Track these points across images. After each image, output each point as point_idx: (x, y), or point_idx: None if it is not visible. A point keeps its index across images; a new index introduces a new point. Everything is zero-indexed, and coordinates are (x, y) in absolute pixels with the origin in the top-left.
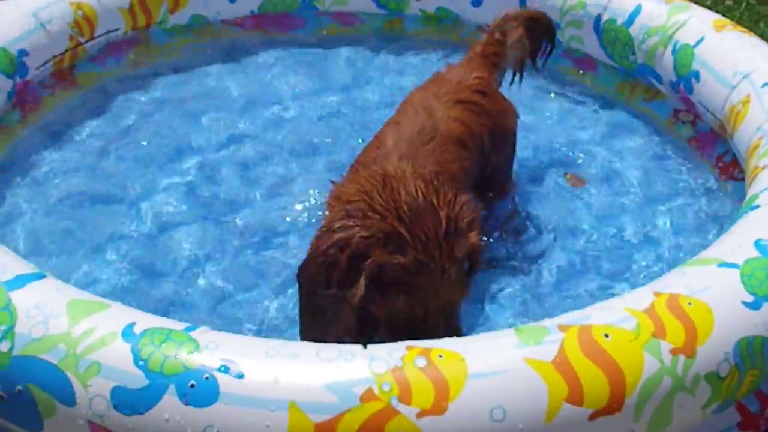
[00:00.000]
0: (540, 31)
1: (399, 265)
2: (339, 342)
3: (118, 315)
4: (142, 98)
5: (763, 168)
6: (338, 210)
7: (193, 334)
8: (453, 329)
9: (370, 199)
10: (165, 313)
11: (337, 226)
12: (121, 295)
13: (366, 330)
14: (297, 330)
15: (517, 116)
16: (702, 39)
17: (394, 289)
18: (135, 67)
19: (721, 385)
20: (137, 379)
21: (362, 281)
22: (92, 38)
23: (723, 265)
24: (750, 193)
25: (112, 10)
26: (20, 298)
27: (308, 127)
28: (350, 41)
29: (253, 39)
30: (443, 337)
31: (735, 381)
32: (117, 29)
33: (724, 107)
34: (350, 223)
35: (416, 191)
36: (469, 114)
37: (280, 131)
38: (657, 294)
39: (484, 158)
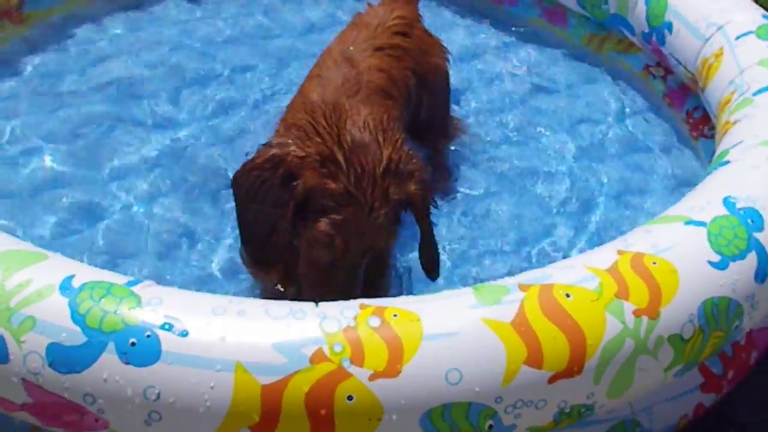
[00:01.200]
0: None
1: (328, 191)
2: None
3: (56, 267)
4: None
5: (734, 123)
6: (282, 132)
7: (136, 288)
8: (378, 277)
9: (314, 123)
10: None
11: (275, 142)
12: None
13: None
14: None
15: (445, 52)
16: None
17: (319, 216)
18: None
19: (684, 347)
20: (74, 336)
21: (291, 203)
22: None
23: (690, 222)
24: (720, 149)
25: None
26: None
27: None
28: None
29: None
30: (362, 283)
31: (699, 343)
32: None
33: (696, 60)
34: (289, 141)
35: (364, 125)
36: (390, 60)
37: (245, 74)
38: (620, 252)
39: (412, 104)
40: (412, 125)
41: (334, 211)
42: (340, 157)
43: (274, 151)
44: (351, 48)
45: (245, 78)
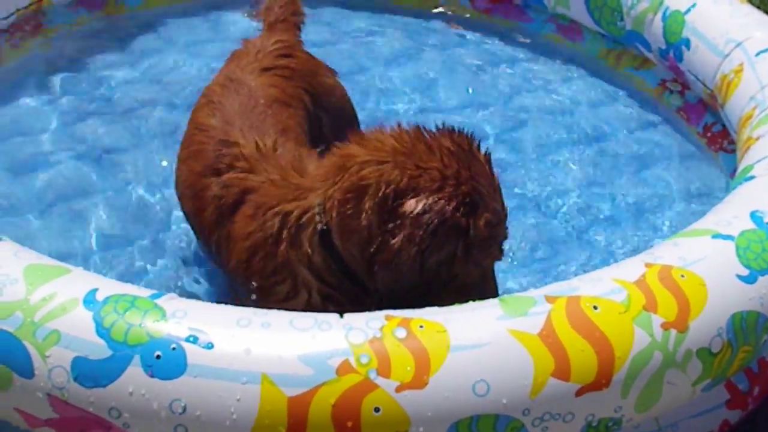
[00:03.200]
0: None
1: (485, 225)
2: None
3: (80, 281)
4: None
5: (757, 139)
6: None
7: (160, 301)
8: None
9: (423, 165)
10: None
11: (420, 208)
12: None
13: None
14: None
15: (332, 72)
16: (693, 5)
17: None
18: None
19: (713, 361)
20: (100, 349)
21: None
22: None
23: (717, 236)
24: (744, 164)
25: None
26: None
27: None
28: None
29: None
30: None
31: (727, 358)
32: None
33: (715, 76)
34: (433, 198)
35: (460, 149)
36: (279, 79)
37: None
38: (648, 265)
39: (313, 121)
40: (319, 142)
41: (490, 238)
42: (482, 192)
43: (429, 215)
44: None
45: None
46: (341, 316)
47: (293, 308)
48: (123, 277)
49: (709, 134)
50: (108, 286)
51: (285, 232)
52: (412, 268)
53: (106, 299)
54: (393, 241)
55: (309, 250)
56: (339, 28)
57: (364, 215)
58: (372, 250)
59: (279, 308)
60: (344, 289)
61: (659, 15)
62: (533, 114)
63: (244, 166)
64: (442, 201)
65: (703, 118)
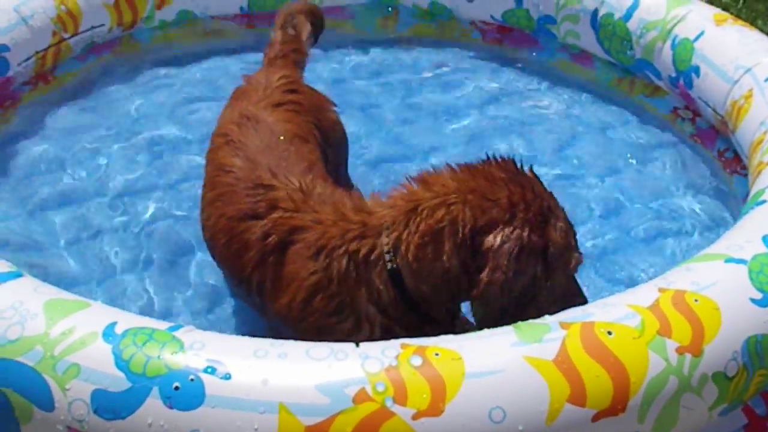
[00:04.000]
0: (318, 24)
1: (560, 234)
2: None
3: (99, 314)
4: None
5: None
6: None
7: (177, 333)
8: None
9: (495, 192)
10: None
11: (499, 241)
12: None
13: None
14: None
15: (334, 106)
16: (702, 33)
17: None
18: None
19: (728, 385)
20: (119, 382)
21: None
22: (76, 34)
23: (730, 261)
24: (755, 188)
25: (96, 5)
26: None
27: None
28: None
29: (241, 35)
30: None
31: (743, 381)
32: (102, 25)
33: (725, 102)
34: (508, 229)
35: (512, 173)
36: (292, 114)
37: None
38: (661, 290)
39: (324, 153)
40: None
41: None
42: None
43: (522, 256)
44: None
45: None
46: (357, 345)
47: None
48: (142, 311)
49: (722, 159)
50: (127, 320)
51: (354, 272)
52: (502, 295)
53: (125, 332)
54: (481, 276)
55: (381, 287)
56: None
57: (445, 257)
58: (458, 287)
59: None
60: (404, 320)
61: (668, 43)
62: (546, 142)
63: (288, 206)
64: (517, 229)
65: (716, 145)
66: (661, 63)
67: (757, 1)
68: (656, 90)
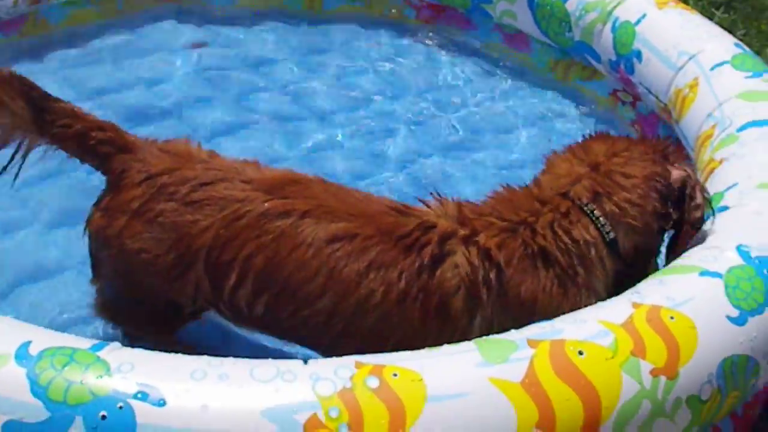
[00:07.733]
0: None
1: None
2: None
3: (10, 332)
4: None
5: (721, 162)
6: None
7: (102, 353)
8: None
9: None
10: None
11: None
12: None
13: None
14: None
15: None
16: (644, 16)
17: None
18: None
19: (702, 408)
20: (36, 411)
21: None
22: None
23: (705, 273)
24: (711, 190)
25: None
26: None
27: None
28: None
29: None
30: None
31: (716, 404)
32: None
33: (668, 90)
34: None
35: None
36: None
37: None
38: (636, 305)
39: None
40: None
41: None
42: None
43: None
44: None
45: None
46: (305, 362)
47: None
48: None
49: None
50: (43, 338)
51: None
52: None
53: (41, 353)
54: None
55: (606, 260)
56: None
57: (657, 203)
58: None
59: None
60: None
61: (609, 25)
62: (480, 129)
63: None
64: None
65: (658, 132)
66: (601, 46)
67: None
68: (594, 73)
